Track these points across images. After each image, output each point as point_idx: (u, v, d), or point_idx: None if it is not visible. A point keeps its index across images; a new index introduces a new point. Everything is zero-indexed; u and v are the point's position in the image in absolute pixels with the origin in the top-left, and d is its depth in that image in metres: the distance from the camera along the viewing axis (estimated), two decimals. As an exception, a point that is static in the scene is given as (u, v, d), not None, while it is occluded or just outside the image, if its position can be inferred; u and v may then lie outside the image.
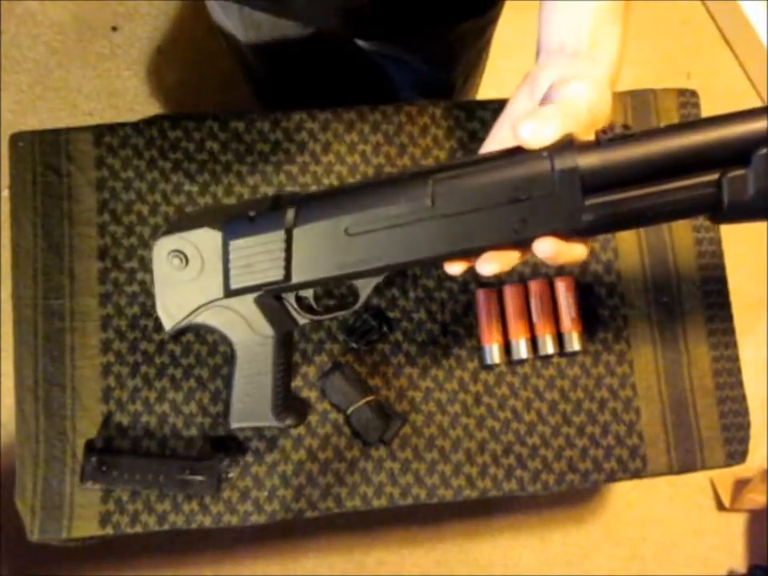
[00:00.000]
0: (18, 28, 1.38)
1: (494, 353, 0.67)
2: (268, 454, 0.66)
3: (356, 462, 0.66)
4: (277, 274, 0.47)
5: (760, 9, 1.38)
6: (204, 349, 0.66)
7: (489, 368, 0.68)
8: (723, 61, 1.48)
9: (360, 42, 0.77)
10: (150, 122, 0.69)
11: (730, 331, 0.70)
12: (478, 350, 0.68)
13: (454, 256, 0.44)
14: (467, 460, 0.67)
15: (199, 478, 0.63)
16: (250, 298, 0.50)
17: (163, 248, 0.50)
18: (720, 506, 1.31)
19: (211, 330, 0.52)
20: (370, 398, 0.65)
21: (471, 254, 0.44)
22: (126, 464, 0.63)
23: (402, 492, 0.66)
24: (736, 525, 1.32)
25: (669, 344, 0.70)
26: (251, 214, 0.47)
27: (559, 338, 0.68)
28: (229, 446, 0.65)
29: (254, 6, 0.69)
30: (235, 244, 0.48)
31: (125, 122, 0.69)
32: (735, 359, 0.70)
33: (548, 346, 0.67)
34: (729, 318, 0.71)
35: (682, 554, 1.30)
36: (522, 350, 0.67)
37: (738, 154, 0.40)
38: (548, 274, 0.69)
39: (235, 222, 0.48)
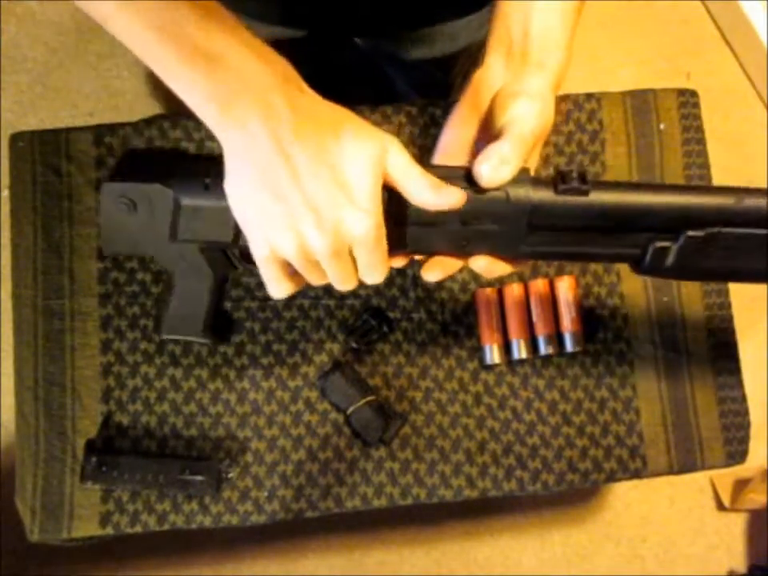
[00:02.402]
0: (18, 28, 1.38)
1: (493, 353, 0.67)
2: (268, 454, 0.66)
3: (356, 461, 0.66)
4: (225, 236, 0.49)
5: (760, 9, 1.38)
6: (204, 349, 0.66)
7: (489, 368, 0.68)
8: (723, 61, 1.48)
9: (358, 41, 0.77)
10: (149, 121, 0.68)
11: (731, 331, 0.70)
12: (478, 350, 0.68)
13: (399, 254, 0.46)
14: (467, 460, 0.67)
15: (199, 478, 0.63)
16: (195, 246, 0.52)
17: (112, 192, 0.51)
18: (720, 506, 1.31)
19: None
20: (370, 398, 0.65)
21: (416, 254, 0.47)
22: (126, 464, 0.63)
23: (402, 492, 0.66)
24: (736, 525, 1.32)
25: (669, 344, 0.70)
26: (206, 181, 0.48)
27: (559, 338, 0.68)
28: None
29: (240, 12, 0.69)
30: (187, 206, 0.49)
31: (125, 122, 0.69)
32: (735, 359, 0.70)
33: (548, 346, 0.67)
34: (729, 318, 0.71)
35: (682, 554, 1.30)
36: (521, 349, 0.67)
37: (671, 226, 0.43)
38: (548, 274, 0.69)
39: (188, 184, 0.49)
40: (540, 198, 0.42)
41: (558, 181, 0.42)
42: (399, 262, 0.47)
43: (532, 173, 0.45)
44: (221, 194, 0.43)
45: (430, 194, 0.41)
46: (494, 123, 0.44)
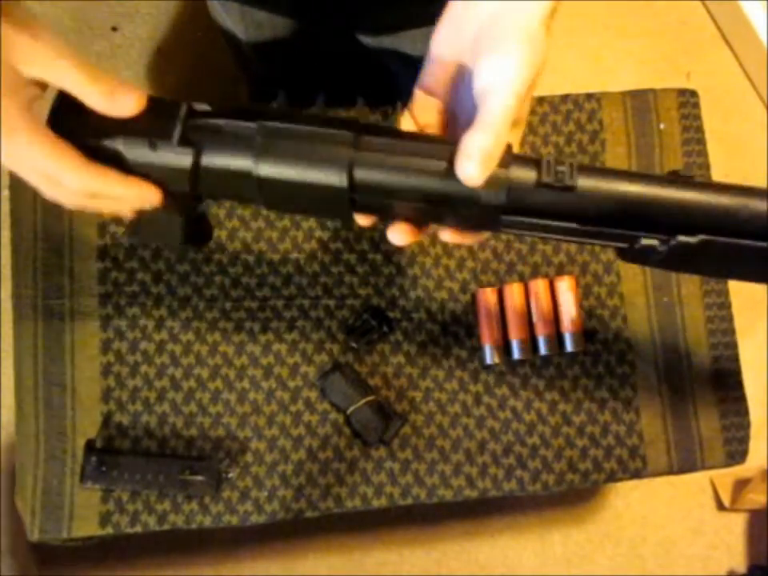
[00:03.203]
0: (18, 28, 1.38)
1: (493, 353, 0.67)
2: (268, 454, 0.66)
3: (356, 461, 0.66)
4: (182, 187, 0.42)
5: (760, 9, 1.37)
6: (204, 348, 0.66)
7: (489, 368, 0.68)
8: (723, 61, 1.48)
9: (362, 38, 0.77)
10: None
11: (731, 331, 0.70)
12: (478, 350, 0.68)
13: (369, 214, 0.43)
14: (467, 460, 0.67)
15: (199, 478, 0.63)
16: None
17: None
18: (720, 506, 1.31)
19: None
20: (370, 398, 0.65)
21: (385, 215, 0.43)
22: (126, 464, 0.63)
23: (402, 492, 0.66)
24: (736, 525, 1.32)
25: (669, 344, 0.70)
26: (153, 140, 0.41)
27: (559, 338, 0.68)
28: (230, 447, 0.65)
29: (254, 5, 0.69)
30: (135, 161, 0.42)
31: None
32: (735, 359, 0.70)
33: (548, 346, 0.67)
34: (729, 318, 0.71)
35: (682, 554, 1.30)
36: (521, 349, 0.67)
37: (662, 228, 0.39)
38: (548, 274, 0.69)
39: (133, 141, 0.41)
40: (519, 185, 0.38)
41: (543, 170, 0.38)
42: (367, 221, 0.42)
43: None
44: (170, 155, 0.40)
45: (102, 104, 0.38)
46: (476, 71, 0.38)
